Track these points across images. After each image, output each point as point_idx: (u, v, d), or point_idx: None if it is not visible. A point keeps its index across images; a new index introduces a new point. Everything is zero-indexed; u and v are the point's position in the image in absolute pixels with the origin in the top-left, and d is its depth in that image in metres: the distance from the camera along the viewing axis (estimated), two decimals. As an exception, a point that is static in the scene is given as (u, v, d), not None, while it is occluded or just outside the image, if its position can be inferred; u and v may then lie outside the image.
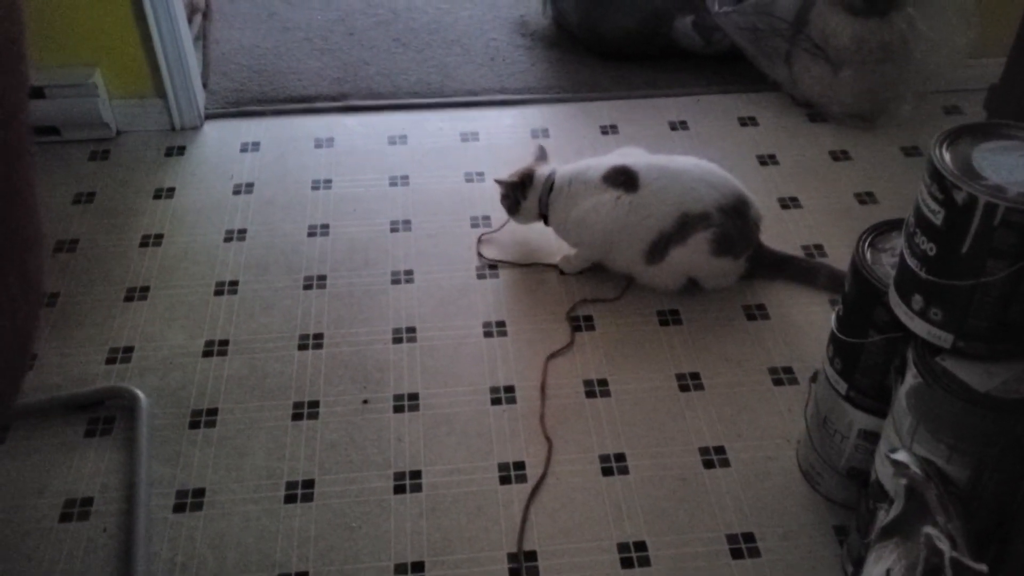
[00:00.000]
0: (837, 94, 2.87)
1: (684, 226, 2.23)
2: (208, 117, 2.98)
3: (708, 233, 2.23)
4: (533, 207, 2.37)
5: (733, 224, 2.24)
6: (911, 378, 1.50)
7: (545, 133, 2.92)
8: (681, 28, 3.09)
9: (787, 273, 2.43)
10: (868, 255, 1.66)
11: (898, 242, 1.61)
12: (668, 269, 2.28)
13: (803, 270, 2.43)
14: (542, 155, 2.44)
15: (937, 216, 1.38)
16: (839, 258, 2.46)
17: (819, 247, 2.51)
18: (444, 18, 3.42)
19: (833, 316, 1.77)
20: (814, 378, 1.90)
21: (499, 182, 2.40)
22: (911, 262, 1.46)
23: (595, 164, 2.33)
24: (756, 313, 2.33)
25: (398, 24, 3.38)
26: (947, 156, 1.38)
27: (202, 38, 3.23)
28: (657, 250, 2.26)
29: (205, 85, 3.05)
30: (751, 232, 2.30)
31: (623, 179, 2.26)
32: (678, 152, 2.52)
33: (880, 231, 1.70)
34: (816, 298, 2.36)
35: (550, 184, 2.33)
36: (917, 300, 1.47)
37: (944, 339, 1.46)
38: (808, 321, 2.30)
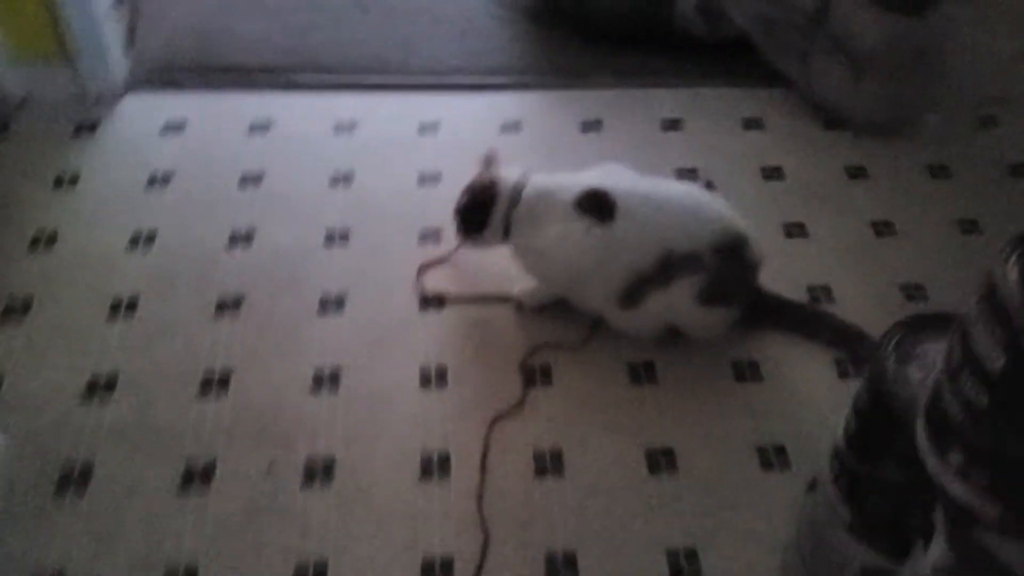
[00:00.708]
0: (858, 100, 2.46)
1: (667, 268, 1.84)
2: (130, 87, 2.53)
3: (695, 278, 1.84)
4: (498, 227, 1.97)
5: (727, 268, 1.85)
6: (939, 550, 1.12)
7: (516, 127, 2.50)
8: (683, 10, 2.66)
9: (786, 323, 2.04)
10: (892, 365, 1.26)
11: (935, 353, 1.22)
12: (645, 315, 1.90)
13: (805, 320, 2.05)
14: (491, 160, 2.04)
15: (994, 361, 0.99)
16: (848, 304, 2.10)
17: (826, 289, 2.11)
18: (414, -21, 2.95)
19: (840, 427, 1.38)
20: (812, 486, 1.52)
21: (459, 212, 2.00)
22: (952, 406, 1.07)
23: (568, 183, 1.94)
24: (747, 372, 1.95)
25: (360, -18, 2.92)
26: (1015, 278, 0.97)
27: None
28: (633, 293, 1.87)
29: (130, 45, 2.60)
30: (748, 278, 1.92)
31: (597, 206, 1.86)
32: (671, 153, 2.23)
33: (912, 330, 1.31)
34: (819, 356, 1.98)
35: (517, 195, 1.93)
36: (955, 456, 1.08)
37: (987, 510, 1.07)
38: (808, 386, 1.93)
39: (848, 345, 2.02)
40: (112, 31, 2.48)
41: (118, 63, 2.50)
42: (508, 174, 1.97)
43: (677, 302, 1.89)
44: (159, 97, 2.55)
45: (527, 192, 1.93)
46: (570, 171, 1.98)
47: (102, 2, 2.41)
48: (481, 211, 1.94)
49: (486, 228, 1.96)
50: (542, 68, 2.69)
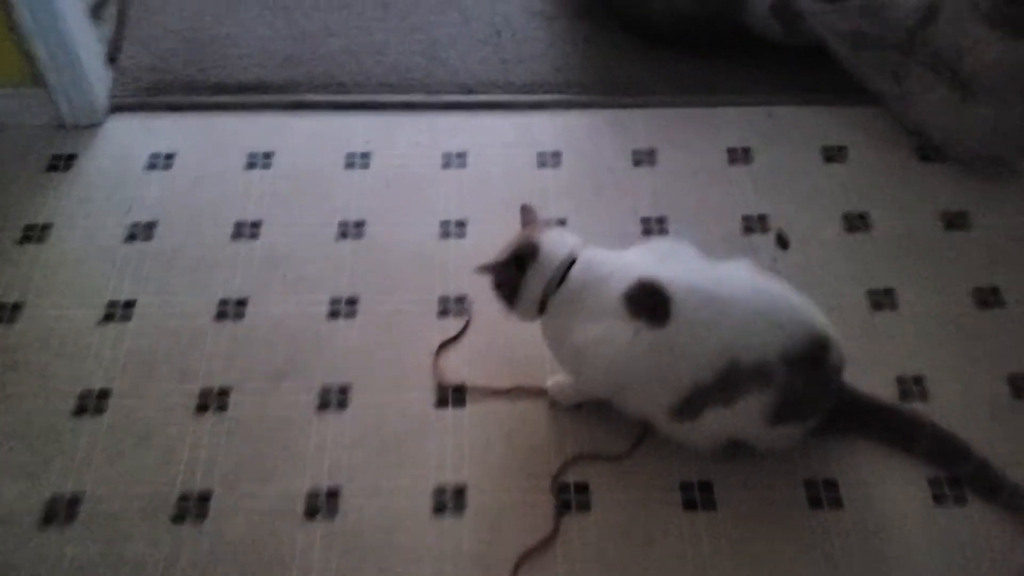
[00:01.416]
0: (963, 127, 2.05)
1: (731, 381, 1.50)
2: (115, 108, 2.20)
3: (764, 395, 1.49)
4: (537, 293, 1.62)
5: (803, 380, 1.51)
6: None
7: (556, 159, 2.14)
8: (756, 11, 2.25)
9: (874, 430, 1.71)
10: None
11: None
12: (703, 430, 1.58)
13: (897, 427, 1.70)
14: (530, 218, 1.70)
15: None
16: (945, 401, 1.76)
17: (918, 380, 1.76)
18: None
19: None
20: None
21: (485, 268, 1.65)
22: None
23: (620, 268, 1.60)
24: (824, 496, 1.63)
25: (380, -28, 2.54)
26: None
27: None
28: (689, 406, 1.54)
29: (114, 60, 2.27)
30: (828, 387, 1.57)
31: (650, 304, 1.51)
32: (738, 194, 1.94)
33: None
34: (911, 474, 1.66)
35: (561, 273, 1.60)
36: None
37: None
38: (897, 516, 1.60)
39: (947, 461, 1.67)
40: (90, 46, 2.15)
41: (98, 83, 2.17)
42: (556, 241, 1.62)
43: (742, 420, 1.54)
44: (145, 121, 2.22)
45: (575, 271, 1.58)
46: (621, 241, 1.66)
47: (76, 14, 2.05)
48: (516, 269, 1.61)
49: (516, 301, 1.60)
50: (587, 81, 2.30)
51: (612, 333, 1.54)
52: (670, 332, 1.52)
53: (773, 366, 1.49)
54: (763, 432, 1.58)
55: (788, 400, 1.52)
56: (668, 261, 1.61)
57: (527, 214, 1.67)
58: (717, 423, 1.57)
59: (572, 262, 1.58)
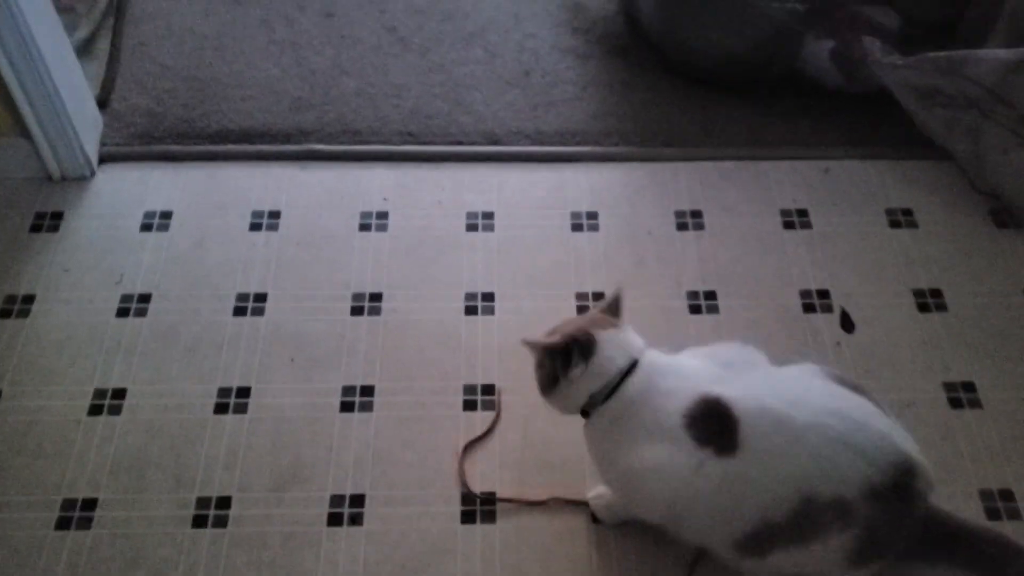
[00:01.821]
0: (1048, 194, 1.81)
1: (805, 518, 1.28)
2: (106, 158, 1.98)
3: (844, 534, 1.28)
4: (581, 393, 1.41)
5: (888, 515, 1.30)
6: None
7: (592, 220, 1.91)
8: (814, 57, 2.01)
9: (959, 557, 1.47)
10: None
11: None
12: (773, 567, 1.33)
13: (985, 554, 1.47)
14: (614, 307, 1.44)
15: None
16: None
17: (1007, 495, 1.54)
18: (463, -3, 2.32)
19: None
20: None
21: (530, 345, 1.42)
22: None
23: (681, 382, 1.37)
24: (903, 638, 1.39)
25: (397, 2, 2.29)
26: None
27: (112, 18, 2.19)
28: (757, 543, 1.33)
29: (105, 103, 2.05)
30: (915, 519, 1.34)
31: (714, 430, 1.30)
32: (794, 263, 1.64)
33: None
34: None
35: (619, 379, 1.36)
36: None
37: None
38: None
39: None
40: (77, 89, 1.94)
41: (87, 131, 1.96)
42: (618, 343, 1.39)
43: (817, 560, 1.33)
44: (140, 173, 2.00)
45: (632, 382, 1.37)
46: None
47: (60, 52, 1.84)
48: (561, 359, 1.38)
49: (553, 392, 1.40)
50: (625, 130, 2.08)
51: (671, 462, 1.33)
52: (737, 462, 1.30)
53: (854, 502, 1.28)
54: (841, 571, 1.37)
55: (870, 537, 1.31)
56: (733, 370, 1.40)
57: (613, 302, 1.44)
58: (788, 562, 1.36)
59: (630, 370, 1.35)
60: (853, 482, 1.29)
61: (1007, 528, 1.52)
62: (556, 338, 1.38)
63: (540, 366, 1.42)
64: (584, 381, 1.37)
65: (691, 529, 1.41)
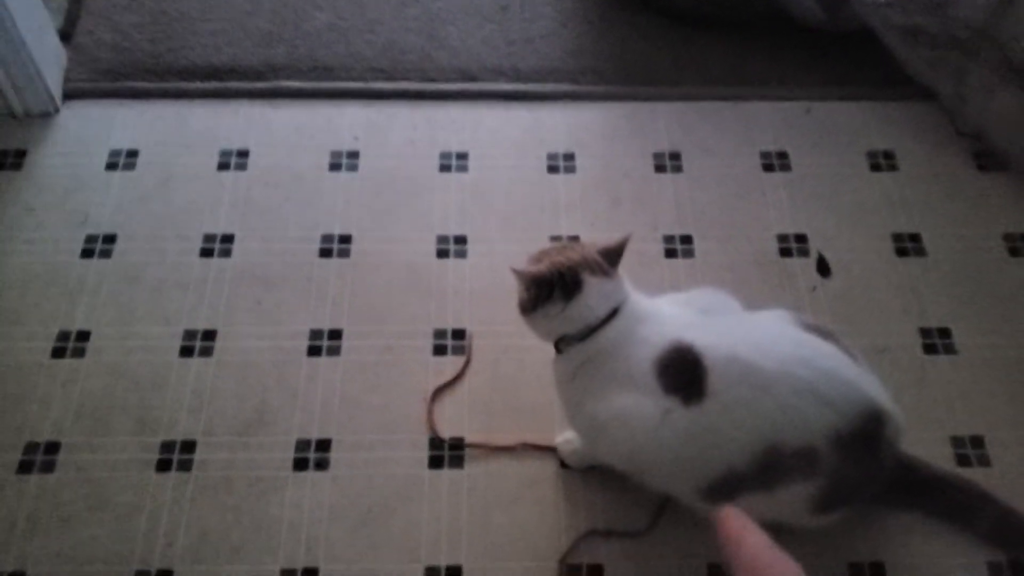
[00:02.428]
0: (1031, 137, 1.77)
1: (771, 468, 1.28)
2: (70, 94, 1.92)
3: (810, 483, 1.27)
4: (555, 330, 1.38)
5: (854, 463, 1.28)
6: None
7: (569, 162, 1.86)
8: (796, -7, 1.94)
9: (928, 504, 1.47)
10: None
11: None
12: None
13: (954, 502, 1.47)
14: (613, 254, 1.38)
15: None
16: (1012, 470, 1.55)
17: (978, 442, 1.54)
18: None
19: None
20: None
21: (516, 273, 1.38)
22: None
23: (657, 331, 1.34)
24: (869, 582, 1.40)
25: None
26: None
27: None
28: (722, 491, 1.32)
29: (69, 36, 1.99)
30: (882, 467, 1.33)
31: (683, 378, 1.28)
32: (773, 207, 1.55)
33: None
34: (971, 554, 1.43)
35: (600, 322, 1.34)
36: None
37: None
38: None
39: (1011, 544, 1.46)
40: (39, 21, 1.88)
41: (50, 65, 1.92)
42: (603, 293, 1.35)
43: (783, 507, 1.33)
44: (105, 110, 1.94)
45: (610, 329, 1.34)
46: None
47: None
48: (546, 289, 1.34)
49: (540, 309, 1.36)
50: (603, 68, 2.03)
51: (637, 410, 1.31)
52: (703, 411, 1.29)
53: (820, 451, 1.28)
54: (806, 519, 1.36)
55: (836, 486, 1.30)
56: (707, 317, 1.37)
57: (615, 250, 1.39)
58: (753, 509, 1.34)
59: (610, 318, 1.32)
60: (820, 431, 1.28)
61: (977, 475, 1.51)
62: (543, 267, 1.34)
63: (524, 288, 1.37)
64: (560, 320, 1.34)
65: (656, 476, 1.40)
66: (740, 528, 0.49)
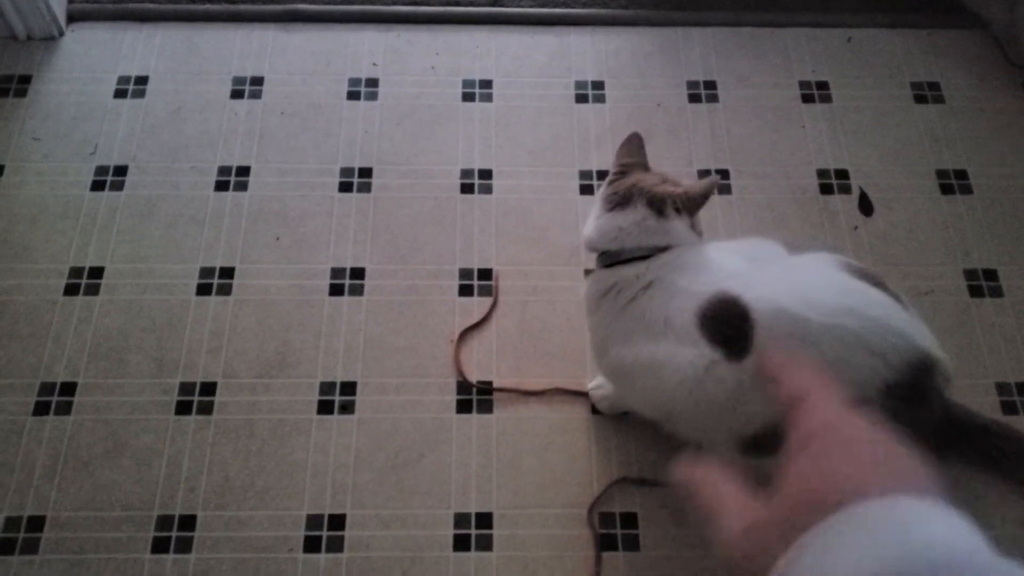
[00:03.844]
0: (1086, 68, 1.68)
1: (816, 419, 1.18)
2: (75, 16, 1.84)
3: None
4: (592, 228, 1.31)
5: (903, 412, 1.23)
6: None
7: (598, 91, 1.78)
8: (840, -87, 1.83)
9: (973, 453, 1.42)
10: None
11: None
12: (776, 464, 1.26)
13: (1001, 452, 1.42)
14: (696, 200, 1.30)
15: None
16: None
17: (1025, 389, 1.46)
18: None
19: None
20: None
21: (631, 139, 1.36)
22: None
23: (702, 278, 1.27)
24: (911, 534, 1.33)
25: None
26: None
27: None
28: (762, 445, 1.26)
29: (73, -45, 1.88)
30: (932, 413, 1.28)
31: (730, 331, 1.21)
32: (811, 140, 1.48)
33: None
34: (1017, 509, 1.35)
35: (633, 250, 1.28)
36: None
37: None
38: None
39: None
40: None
41: (55, -14, 1.79)
42: (675, 227, 1.28)
43: None
44: (113, 34, 1.85)
45: (657, 263, 1.26)
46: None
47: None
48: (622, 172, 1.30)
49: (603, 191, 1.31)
50: (635, -9, 1.91)
51: (677, 361, 1.25)
52: (747, 366, 1.23)
53: (869, 402, 1.21)
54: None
55: (884, 437, 1.23)
56: (753, 266, 1.31)
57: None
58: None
59: (658, 251, 1.25)
60: (869, 383, 1.22)
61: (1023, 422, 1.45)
62: (632, 169, 1.29)
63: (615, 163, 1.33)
64: (597, 224, 1.27)
65: (691, 427, 1.35)
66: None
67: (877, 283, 1.30)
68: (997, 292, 1.59)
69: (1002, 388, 1.51)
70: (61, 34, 1.84)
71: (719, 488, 0.49)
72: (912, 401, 1.24)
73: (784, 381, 0.52)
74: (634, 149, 1.32)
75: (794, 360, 0.54)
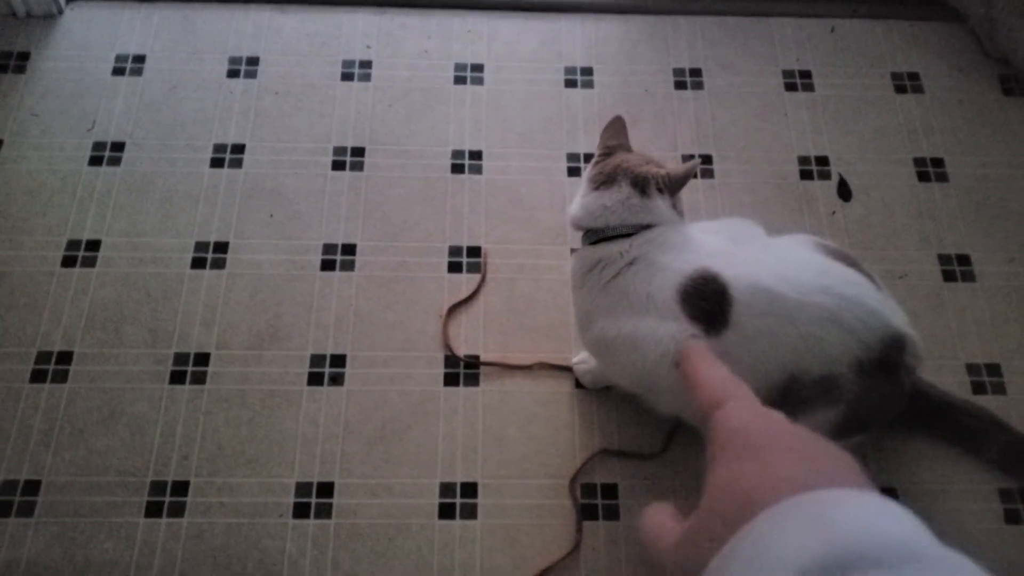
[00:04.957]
0: (1061, 62, 1.73)
1: (791, 396, 1.26)
2: (73, -5, 1.88)
3: (829, 411, 1.26)
4: (578, 207, 1.36)
5: (873, 390, 1.27)
6: None
7: (587, 77, 1.82)
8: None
9: (941, 428, 1.48)
10: None
11: None
12: None
13: (968, 429, 1.49)
14: (678, 181, 1.34)
15: None
16: (1025, 398, 1.49)
17: (993, 369, 1.52)
18: None
19: None
20: None
21: (612, 123, 1.44)
22: None
23: (684, 256, 1.31)
24: (880, 507, 1.39)
25: None
26: None
27: None
28: (738, 416, 1.28)
29: (72, -66, 1.91)
30: (901, 393, 1.33)
31: (709, 307, 1.25)
32: (795, 127, 1.51)
33: None
34: (979, 483, 1.45)
35: (616, 227, 1.32)
36: None
37: None
38: (964, 536, 1.42)
39: (1022, 472, 1.46)
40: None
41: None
42: (657, 206, 1.33)
43: None
44: (111, 12, 1.88)
45: (638, 240, 1.31)
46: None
47: None
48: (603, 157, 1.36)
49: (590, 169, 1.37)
50: (624, -21, 1.95)
51: (656, 335, 1.29)
52: (726, 341, 1.27)
53: (842, 379, 1.27)
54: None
55: (856, 412, 1.30)
56: (734, 245, 1.35)
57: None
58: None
59: (641, 229, 1.30)
60: (842, 360, 1.27)
61: (991, 403, 1.51)
62: (616, 151, 1.36)
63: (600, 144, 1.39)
64: (582, 202, 1.33)
65: (670, 401, 1.39)
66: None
67: (852, 264, 1.35)
68: (969, 276, 1.64)
69: (972, 369, 1.56)
70: (60, 12, 1.87)
71: (655, 514, 0.50)
72: (884, 377, 1.28)
73: (702, 386, 0.52)
74: (618, 131, 1.37)
75: (711, 365, 0.54)
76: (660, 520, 0.49)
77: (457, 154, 1.73)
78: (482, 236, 1.64)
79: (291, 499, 1.41)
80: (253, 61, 1.82)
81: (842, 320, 1.26)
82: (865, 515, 0.38)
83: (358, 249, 1.63)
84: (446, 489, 1.43)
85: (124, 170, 1.69)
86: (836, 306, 1.27)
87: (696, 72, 1.86)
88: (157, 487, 1.42)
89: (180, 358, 1.52)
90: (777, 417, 0.48)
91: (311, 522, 1.39)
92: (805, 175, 1.74)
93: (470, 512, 1.41)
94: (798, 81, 1.85)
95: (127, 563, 1.36)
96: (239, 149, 1.72)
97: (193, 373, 1.51)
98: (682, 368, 0.56)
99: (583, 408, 1.49)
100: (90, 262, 1.60)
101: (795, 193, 1.72)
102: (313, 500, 1.41)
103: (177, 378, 1.50)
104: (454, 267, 1.62)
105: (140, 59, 1.82)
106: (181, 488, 1.42)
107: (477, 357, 1.54)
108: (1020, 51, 1.81)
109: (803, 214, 1.68)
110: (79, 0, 1.90)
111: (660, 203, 1.29)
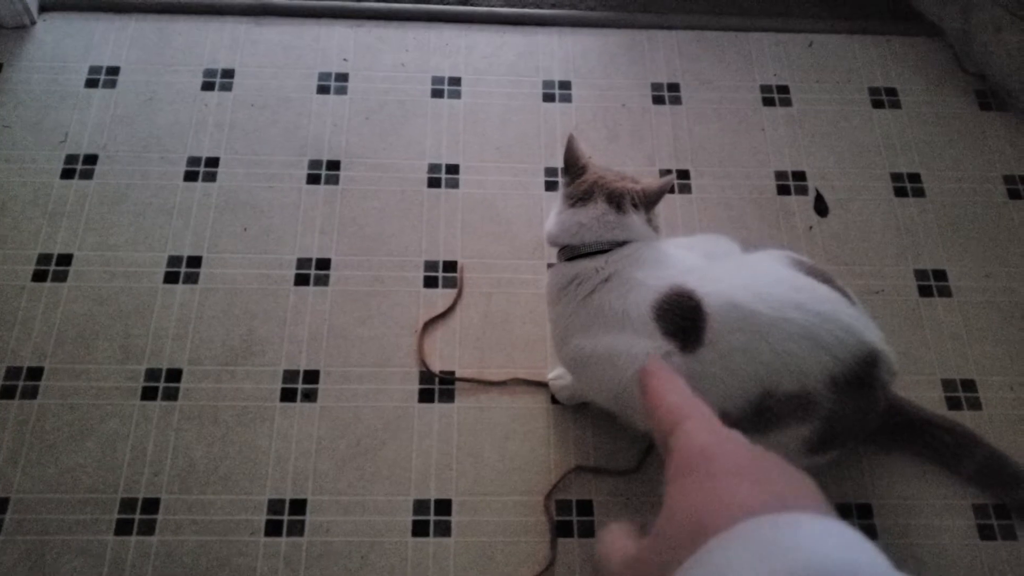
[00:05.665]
0: (1036, 77, 1.74)
1: (764, 412, 1.26)
2: (47, 6, 1.87)
3: (803, 427, 1.26)
4: (554, 223, 1.35)
5: (849, 405, 1.27)
6: None
7: (565, 90, 1.81)
8: (803, -79, 1.88)
9: (917, 444, 1.48)
10: None
11: None
12: None
13: (943, 445, 1.49)
14: (653, 196, 1.34)
15: None
16: (1001, 414, 1.55)
17: (969, 385, 1.52)
18: None
19: None
20: None
21: (571, 140, 1.39)
22: None
23: (658, 273, 1.30)
24: (856, 523, 1.41)
25: None
26: None
27: None
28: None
29: (46, -55, 1.90)
30: (877, 407, 1.33)
31: (683, 323, 1.25)
32: (772, 142, 1.51)
33: None
34: (955, 498, 1.44)
35: (592, 244, 1.32)
36: None
37: None
38: (938, 551, 1.42)
39: (997, 486, 1.47)
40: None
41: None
42: (632, 222, 1.32)
43: (775, 450, 1.29)
44: (84, 23, 1.87)
45: (614, 257, 1.31)
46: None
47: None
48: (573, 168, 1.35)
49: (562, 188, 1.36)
50: (602, -7, 1.95)
51: (631, 351, 1.28)
52: (700, 357, 1.27)
53: (816, 395, 1.26)
54: (798, 460, 1.35)
55: (830, 428, 1.29)
56: (708, 261, 1.35)
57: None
58: (745, 450, 1.33)
59: (617, 245, 1.29)
60: (816, 376, 1.26)
61: (967, 418, 1.51)
62: (589, 168, 1.33)
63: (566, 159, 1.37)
64: (558, 218, 1.32)
65: (644, 418, 1.38)
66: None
67: (826, 280, 1.35)
68: (946, 292, 1.64)
69: (947, 384, 1.56)
70: (33, 23, 1.86)
71: (612, 533, 0.49)
72: (858, 393, 1.28)
73: (660, 406, 0.51)
74: (577, 149, 1.36)
75: (670, 384, 0.53)
76: (616, 540, 0.48)
77: (434, 168, 1.72)
78: (458, 251, 1.63)
79: (263, 517, 1.39)
80: (228, 73, 1.81)
81: (816, 336, 1.26)
82: (818, 540, 0.37)
83: (333, 264, 1.61)
84: (420, 506, 1.42)
85: (97, 183, 1.68)
86: (810, 322, 1.26)
87: (674, 87, 1.85)
88: (127, 504, 1.40)
89: (152, 374, 1.50)
90: (735, 438, 0.47)
91: (283, 540, 1.38)
92: (782, 190, 1.73)
93: (444, 529, 1.40)
94: (776, 96, 1.85)
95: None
96: (213, 162, 1.70)
97: (165, 389, 1.49)
98: (641, 386, 0.55)
99: (559, 424, 1.48)
100: (61, 276, 1.58)
101: (772, 208, 1.71)
102: (285, 517, 1.39)
103: (149, 394, 1.49)
104: (430, 282, 1.61)
105: (114, 71, 1.81)
106: (152, 505, 1.40)
107: (452, 373, 1.52)
108: (996, 66, 1.81)
109: (780, 229, 1.68)
110: (52, 11, 1.88)
111: (635, 219, 1.29)
